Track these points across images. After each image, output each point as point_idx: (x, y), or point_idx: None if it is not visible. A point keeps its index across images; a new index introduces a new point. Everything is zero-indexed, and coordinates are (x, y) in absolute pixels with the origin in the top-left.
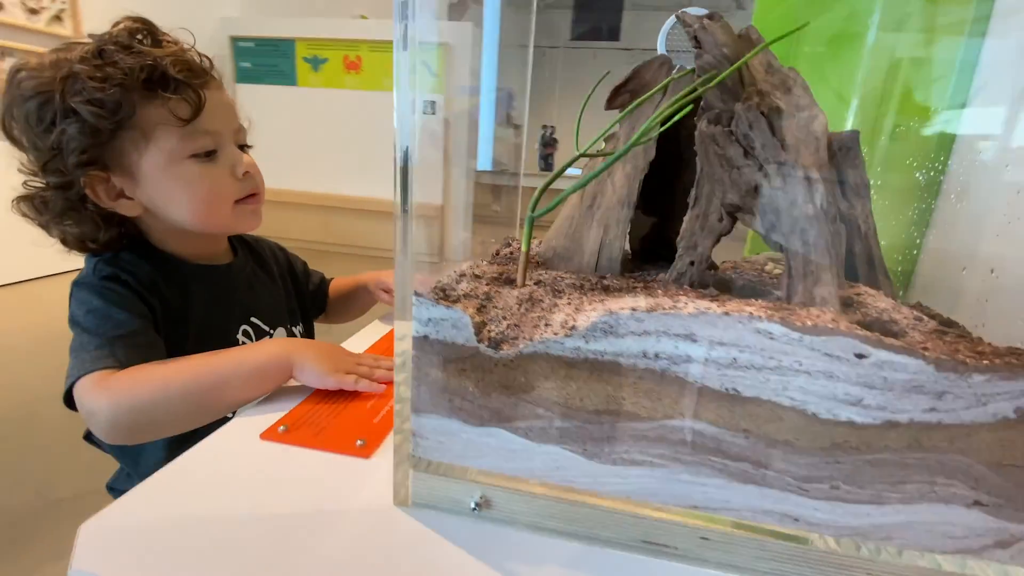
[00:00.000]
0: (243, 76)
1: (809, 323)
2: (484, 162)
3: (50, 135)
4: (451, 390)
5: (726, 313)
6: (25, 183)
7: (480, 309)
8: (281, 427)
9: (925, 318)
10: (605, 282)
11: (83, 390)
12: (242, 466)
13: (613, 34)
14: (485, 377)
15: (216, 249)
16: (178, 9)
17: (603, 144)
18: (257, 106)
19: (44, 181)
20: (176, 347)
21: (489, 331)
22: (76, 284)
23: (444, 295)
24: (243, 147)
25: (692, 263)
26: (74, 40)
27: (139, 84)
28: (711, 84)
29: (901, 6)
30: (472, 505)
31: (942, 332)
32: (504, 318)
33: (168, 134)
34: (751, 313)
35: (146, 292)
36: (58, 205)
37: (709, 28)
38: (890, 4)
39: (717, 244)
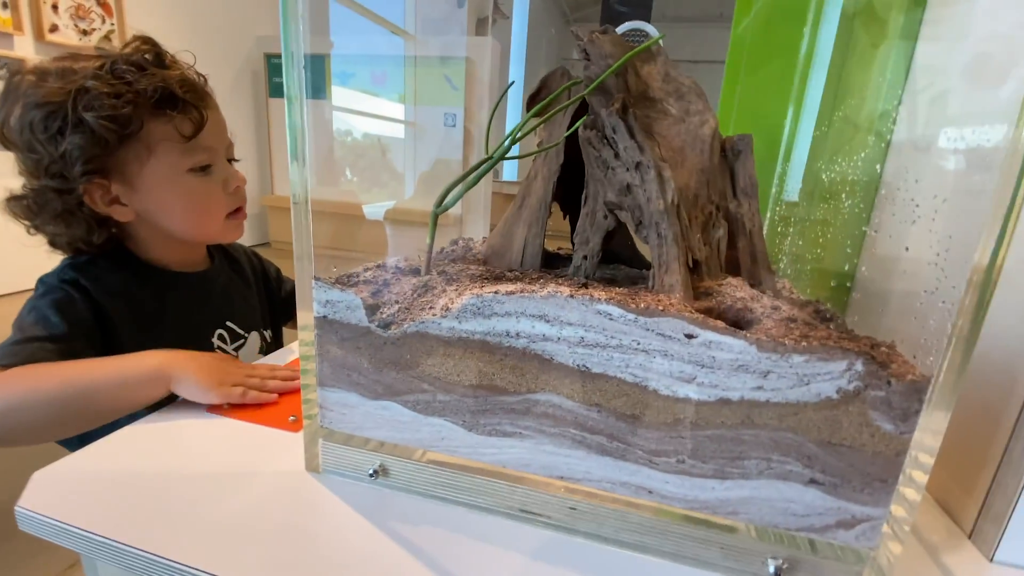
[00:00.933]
0: (275, 91)
1: (642, 305)
2: (509, 173)
3: (55, 143)
4: (349, 366)
5: (571, 296)
6: (24, 185)
7: (375, 294)
8: (226, 403)
9: (784, 307)
10: (506, 274)
11: None
12: (186, 434)
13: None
14: (377, 354)
15: (196, 256)
16: (220, 30)
17: (523, 146)
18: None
19: (41, 184)
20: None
21: (382, 313)
22: (39, 281)
23: (346, 281)
24: (231, 160)
25: (585, 257)
26: (74, 51)
27: (149, 103)
28: (588, 90)
29: (848, 20)
30: (370, 472)
31: (792, 320)
32: (397, 302)
33: (170, 149)
34: (591, 296)
35: (108, 299)
36: (55, 208)
37: (597, 41)
38: (839, 18)
39: (610, 240)
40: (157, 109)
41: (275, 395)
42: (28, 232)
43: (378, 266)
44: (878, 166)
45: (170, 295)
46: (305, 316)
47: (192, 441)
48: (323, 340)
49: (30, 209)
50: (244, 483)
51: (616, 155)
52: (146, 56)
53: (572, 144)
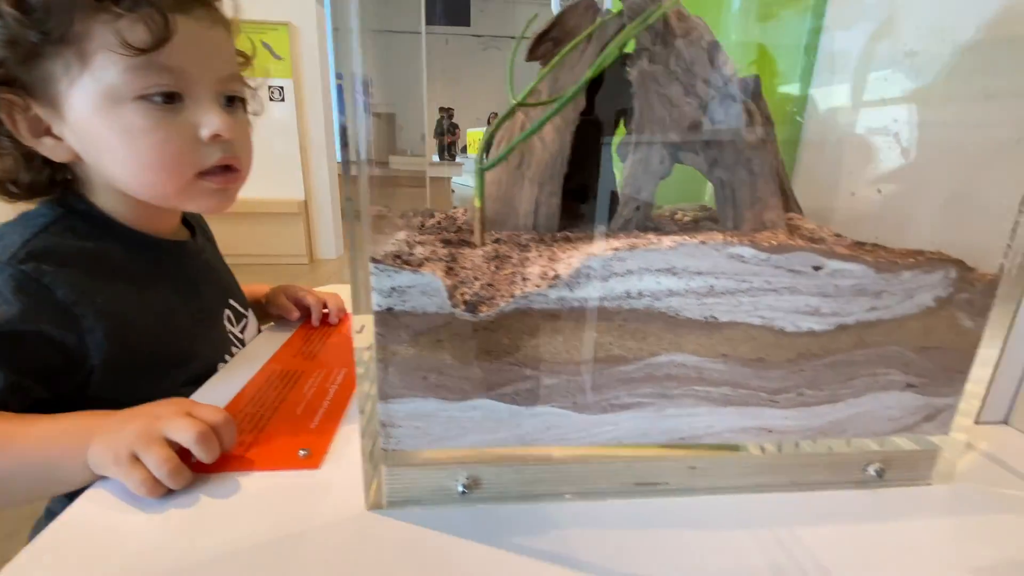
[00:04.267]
0: None
1: (775, 243)
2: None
3: None
4: (425, 366)
5: (703, 242)
6: None
7: (448, 271)
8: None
9: (841, 235)
10: (568, 235)
11: None
12: (163, 504)
13: (463, 19)
14: (464, 345)
15: (174, 223)
16: None
17: (541, 93)
18: None
19: None
20: (168, 342)
21: (462, 294)
22: None
23: (404, 261)
24: (232, 101)
25: (638, 208)
26: None
27: None
28: (652, 18)
29: None
30: (460, 489)
31: (860, 244)
32: (476, 278)
33: (111, 63)
34: (725, 240)
35: (85, 291)
36: None
37: None
38: None
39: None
40: (98, 2)
41: (187, 478)
42: None
43: (407, 242)
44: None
45: (173, 271)
46: (362, 314)
47: (180, 511)
48: (388, 340)
49: None
50: (291, 546)
51: (686, 91)
52: None
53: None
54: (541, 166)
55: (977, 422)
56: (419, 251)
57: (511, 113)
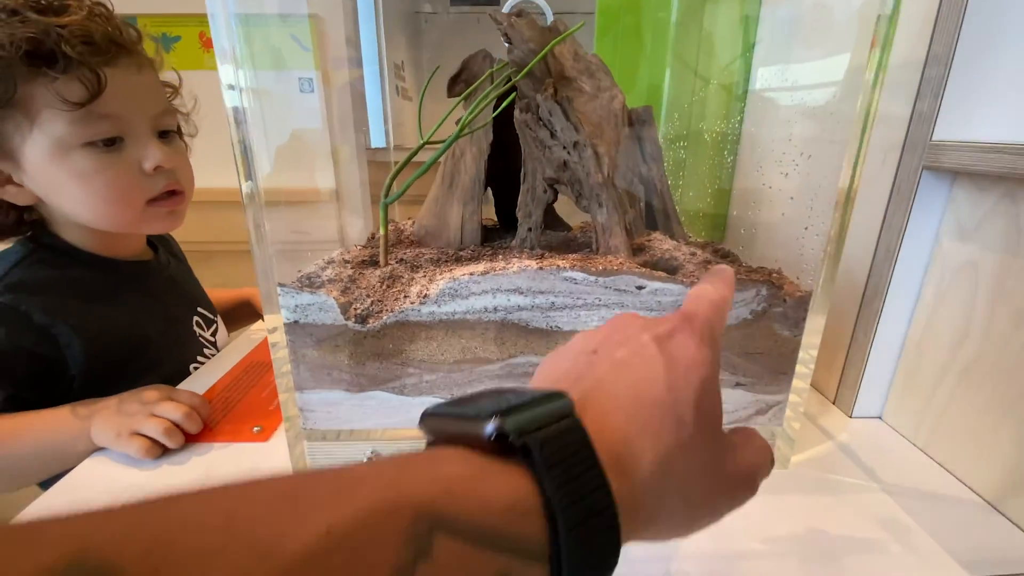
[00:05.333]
0: None
1: (600, 267)
2: (378, 139)
3: None
4: (329, 365)
5: (541, 268)
6: None
7: (344, 291)
8: None
9: (699, 252)
10: (460, 254)
11: None
12: (137, 466)
13: None
14: (357, 349)
15: (138, 246)
16: None
17: (445, 124)
18: None
19: None
20: (139, 349)
21: (355, 309)
22: None
23: (309, 283)
24: (167, 133)
25: (530, 229)
26: None
27: (21, 58)
28: (519, 76)
29: None
30: (365, 460)
31: (708, 261)
32: (368, 296)
33: (56, 118)
34: (559, 266)
35: (60, 313)
36: None
37: (516, 25)
38: None
39: (548, 212)
40: (34, 67)
41: (181, 438)
42: None
43: (330, 262)
44: (738, 127)
45: (139, 289)
46: (274, 322)
47: (148, 474)
48: (297, 345)
49: None
50: None
51: (552, 135)
52: None
53: (496, 122)
54: (464, 188)
55: (852, 416)
56: (328, 273)
57: (416, 152)
